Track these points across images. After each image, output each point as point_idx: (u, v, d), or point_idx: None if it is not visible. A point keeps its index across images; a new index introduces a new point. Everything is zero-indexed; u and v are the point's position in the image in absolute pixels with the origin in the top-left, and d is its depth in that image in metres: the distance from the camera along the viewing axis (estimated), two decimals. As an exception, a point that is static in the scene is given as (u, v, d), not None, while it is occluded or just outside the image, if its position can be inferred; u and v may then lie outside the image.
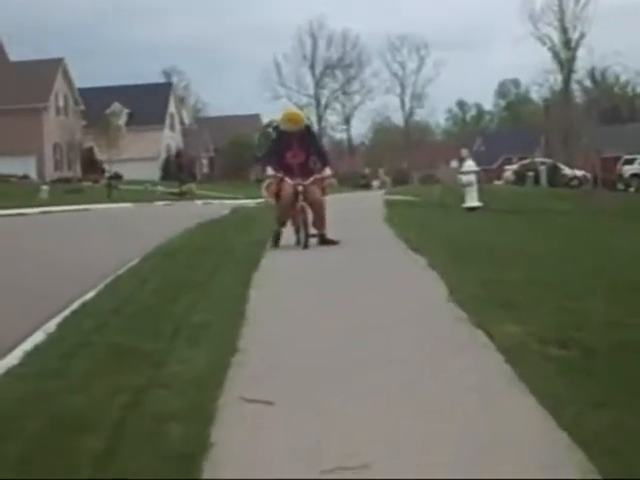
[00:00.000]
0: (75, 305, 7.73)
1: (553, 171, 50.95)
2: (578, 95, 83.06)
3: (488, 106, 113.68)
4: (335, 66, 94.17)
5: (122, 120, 70.58)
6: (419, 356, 5.30)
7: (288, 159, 11.79)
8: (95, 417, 4.19)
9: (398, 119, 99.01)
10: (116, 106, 71.75)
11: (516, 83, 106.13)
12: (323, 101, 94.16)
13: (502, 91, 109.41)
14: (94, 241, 16.94)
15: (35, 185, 46.16)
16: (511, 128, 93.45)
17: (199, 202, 41.45)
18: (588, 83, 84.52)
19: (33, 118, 59.20)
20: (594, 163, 34.75)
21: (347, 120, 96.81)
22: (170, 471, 3.53)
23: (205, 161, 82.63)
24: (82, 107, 66.62)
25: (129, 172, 63.25)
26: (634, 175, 50.18)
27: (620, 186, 47.09)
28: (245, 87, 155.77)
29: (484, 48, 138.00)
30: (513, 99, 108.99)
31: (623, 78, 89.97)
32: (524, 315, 6.14)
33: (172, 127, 78.02)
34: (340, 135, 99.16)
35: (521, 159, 61.12)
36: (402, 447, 3.74)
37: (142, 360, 5.29)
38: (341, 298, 7.64)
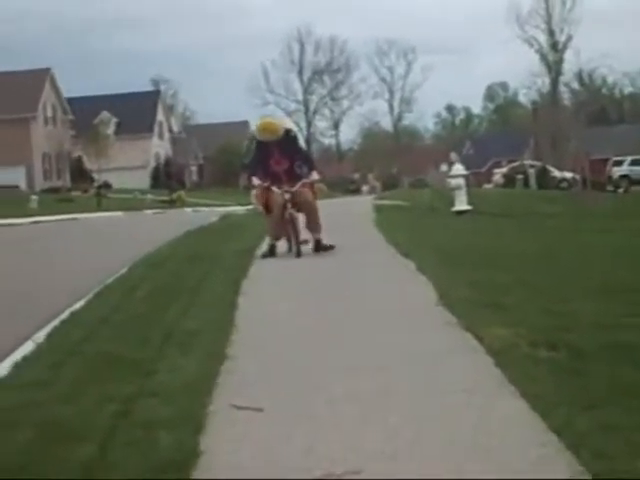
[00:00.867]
0: (65, 314, 7.70)
1: (542, 174, 51.10)
2: (566, 97, 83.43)
3: (477, 110, 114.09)
4: (323, 71, 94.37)
5: (111, 129, 70.59)
6: (409, 361, 5.30)
7: (272, 167, 11.60)
8: (85, 426, 4.18)
9: (387, 124, 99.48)
10: (104, 115, 71.76)
11: (504, 86, 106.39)
12: (312, 107, 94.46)
13: (490, 94, 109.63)
14: (84, 249, 16.90)
15: (25, 195, 46.10)
16: (500, 131, 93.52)
17: (189, 210, 41.46)
18: (576, 85, 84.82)
19: (21, 128, 59.21)
20: (583, 165, 34.75)
21: (336, 125, 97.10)
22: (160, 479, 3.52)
23: (194, 168, 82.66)
24: (70, 117, 66.64)
25: (118, 181, 63.26)
26: (623, 176, 50.39)
27: (609, 187, 47.21)
28: (233, 94, 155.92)
29: (472, 52, 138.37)
30: (501, 102, 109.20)
31: (610, 80, 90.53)
32: (513, 317, 6.16)
33: (161, 135, 78.01)
34: (329, 141, 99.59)
35: (510, 162, 61.18)
36: (393, 452, 3.73)
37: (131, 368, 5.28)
38: (330, 304, 7.64)
